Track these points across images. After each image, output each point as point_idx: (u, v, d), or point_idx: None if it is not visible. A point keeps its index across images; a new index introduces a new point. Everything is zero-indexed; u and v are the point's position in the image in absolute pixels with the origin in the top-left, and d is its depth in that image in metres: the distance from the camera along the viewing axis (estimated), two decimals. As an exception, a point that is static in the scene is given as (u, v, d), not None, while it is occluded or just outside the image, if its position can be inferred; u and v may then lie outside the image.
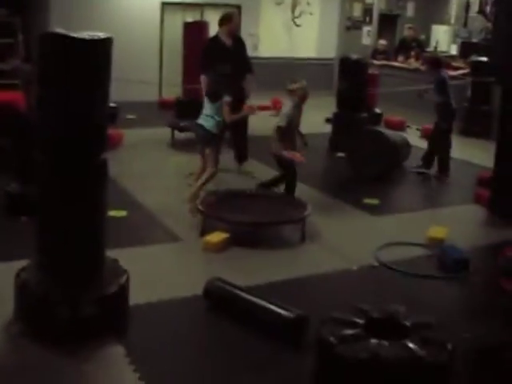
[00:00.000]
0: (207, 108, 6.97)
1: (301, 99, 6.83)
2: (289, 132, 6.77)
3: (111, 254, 4.54)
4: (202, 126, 6.91)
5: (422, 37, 17.28)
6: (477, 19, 17.80)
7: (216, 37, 8.35)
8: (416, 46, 15.08)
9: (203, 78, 7.97)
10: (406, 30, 16.22)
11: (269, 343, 4.25)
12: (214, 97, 6.91)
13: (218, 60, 7.92)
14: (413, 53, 14.62)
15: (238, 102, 7.88)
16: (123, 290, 4.27)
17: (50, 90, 3.92)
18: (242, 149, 8.58)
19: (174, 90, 13.28)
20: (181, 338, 4.35)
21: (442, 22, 18.34)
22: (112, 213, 6.18)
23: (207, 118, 6.91)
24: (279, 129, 6.69)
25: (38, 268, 4.19)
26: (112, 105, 10.11)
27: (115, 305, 4.21)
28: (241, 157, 8.58)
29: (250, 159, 8.61)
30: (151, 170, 8.47)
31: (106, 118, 4.21)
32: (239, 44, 8.42)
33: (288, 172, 6.88)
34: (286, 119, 6.72)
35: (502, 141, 7.35)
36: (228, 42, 8.24)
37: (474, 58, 12.40)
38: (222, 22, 8.28)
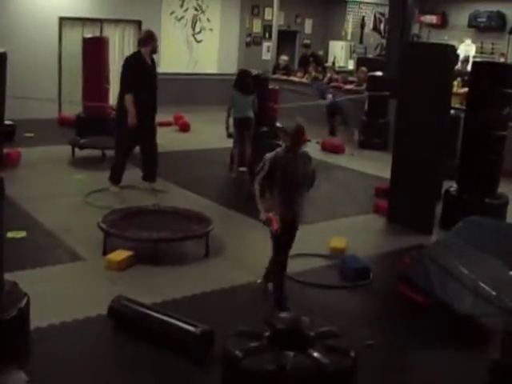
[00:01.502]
0: (242, 100, 8.88)
1: (292, 142, 4.99)
2: (280, 187, 4.94)
3: (10, 276, 4.41)
4: (245, 115, 8.88)
5: (320, 52, 17.68)
6: (372, 36, 18.42)
7: (140, 55, 8.10)
8: (313, 60, 15.41)
9: (129, 97, 7.76)
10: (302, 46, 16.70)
11: (176, 359, 4.24)
12: (248, 90, 8.83)
13: (143, 79, 7.86)
14: (311, 68, 14.93)
15: (152, 120, 7.93)
16: (23, 314, 4.14)
17: None
18: (151, 167, 8.41)
19: (74, 107, 13.06)
20: (86, 359, 4.26)
21: (338, 38, 18.83)
22: (10, 234, 6.03)
23: (245, 107, 8.84)
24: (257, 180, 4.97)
25: None
26: (8, 123, 9.87)
27: (15, 330, 4.07)
28: (149, 175, 8.42)
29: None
30: (51, 189, 8.26)
31: (1, 136, 4.10)
32: (154, 62, 8.32)
33: (274, 251, 5.15)
34: (266, 165, 4.92)
35: (397, 152, 7.61)
36: (148, 60, 8.12)
37: (370, 73, 12.79)
38: (147, 40, 8.10)
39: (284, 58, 16.22)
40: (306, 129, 5.08)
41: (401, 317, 5.16)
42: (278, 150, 5.05)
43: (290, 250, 5.23)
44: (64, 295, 5.15)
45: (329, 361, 3.50)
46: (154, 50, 8.24)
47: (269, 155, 4.98)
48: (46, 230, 6.65)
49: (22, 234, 6.41)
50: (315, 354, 3.54)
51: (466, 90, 9.36)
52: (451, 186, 7.61)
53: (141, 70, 7.94)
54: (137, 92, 7.70)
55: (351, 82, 14.19)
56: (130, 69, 7.95)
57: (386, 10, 15.12)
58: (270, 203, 4.92)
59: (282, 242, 5.05)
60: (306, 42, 16.52)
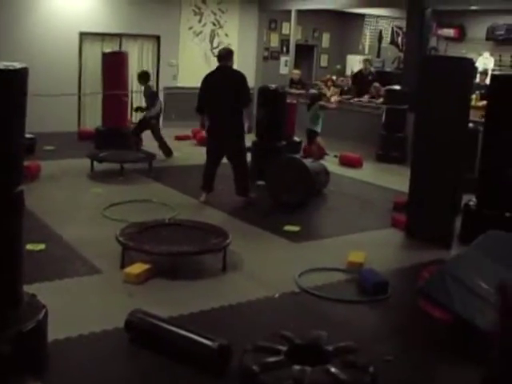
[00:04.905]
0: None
1: None
2: None
3: (29, 288, 4.43)
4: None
5: (338, 66, 17.71)
6: (389, 49, 18.41)
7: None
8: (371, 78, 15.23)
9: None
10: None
11: (193, 374, 4.22)
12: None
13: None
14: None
15: None
16: (41, 326, 4.15)
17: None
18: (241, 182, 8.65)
19: (93, 121, 13.18)
20: (102, 372, 4.25)
21: (356, 52, 18.85)
22: (29, 246, 6.07)
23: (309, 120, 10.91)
24: None
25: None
26: (29, 136, 9.95)
27: (33, 342, 4.08)
28: (240, 191, 8.69)
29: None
30: (70, 202, 8.32)
31: (22, 149, 4.13)
32: None
33: None
34: None
35: (415, 166, 7.57)
36: None
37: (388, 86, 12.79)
38: (232, 55, 8.52)
39: (296, 71, 16.23)
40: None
41: (420, 332, 5.11)
42: None
43: None
44: (81, 308, 5.16)
45: (347, 376, 3.48)
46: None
47: None
48: (65, 243, 6.68)
49: (41, 246, 6.45)
50: (333, 370, 3.52)
51: (484, 103, 9.31)
52: (470, 199, 7.56)
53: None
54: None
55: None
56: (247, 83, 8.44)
57: (403, 23, 15.10)
58: None
59: None
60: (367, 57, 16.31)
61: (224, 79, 8.30)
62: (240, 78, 8.36)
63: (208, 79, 8.46)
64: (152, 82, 11.97)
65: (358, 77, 15.78)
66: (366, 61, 15.98)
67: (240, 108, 8.26)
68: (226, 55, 8.44)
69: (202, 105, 8.37)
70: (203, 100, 8.36)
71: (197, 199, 8.62)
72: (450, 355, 4.73)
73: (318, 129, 11.44)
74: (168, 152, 11.49)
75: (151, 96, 11.42)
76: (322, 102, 11.52)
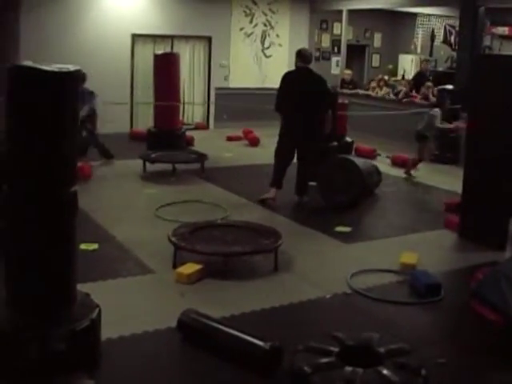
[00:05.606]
0: None
1: None
2: None
3: (83, 287, 4.50)
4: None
5: (390, 66, 17.56)
6: (441, 48, 18.17)
7: None
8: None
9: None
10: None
11: (244, 374, 4.22)
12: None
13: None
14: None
15: None
16: (95, 325, 4.21)
17: (19, 123, 3.90)
18: (299, 183, 8.80)
19: (145, 121, 13.33)
20: (154, 371, 4.29)
21: (408, 52, 18.65)
22: (83, 246, 6.17)
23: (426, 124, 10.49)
24: None
25: (6, 304, 4.13)
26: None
27: (86, 340, 4.15)
28: (297, 190, 8.81)
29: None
30: (122, 203, 8.43)
31: (76, 150, 4.20)
32: None
33: None
34: None
35: (468, 166, 7.45)
36: None
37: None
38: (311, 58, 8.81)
39: (347, 72, 16.14)
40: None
41: (473, 335, 5.02)
42: None
43: None
44: (134, 307, 5.21)
45: (399, 378, 3.44)
46: None
47: None
48: (118, 243, 6.77)
49: (95, 246, 6.55)
50: (385, 372, 3.49)
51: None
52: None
53: None
54: None
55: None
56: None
57: (456, 22, 14.89)
58: None
59: None
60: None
61: (307, 80, 8.41)
62: (323, 81, 8.53)
63: (289, 78, 8.55)
64: (86, 83, 10.68)
65: (417, 78, 15.59)
66: (425, 61, 15.77)
67: (318, 110, 8.33)
68: (309, 57, 8.67)
69: (280, 103, 8.46)
70: (282, 99, 8.45)
71: (248, 200, 8.65)
72: (503, 359, 4.64)
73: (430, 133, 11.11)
74: (107, 154, 11.00)
75: (81, 96, 10.60)
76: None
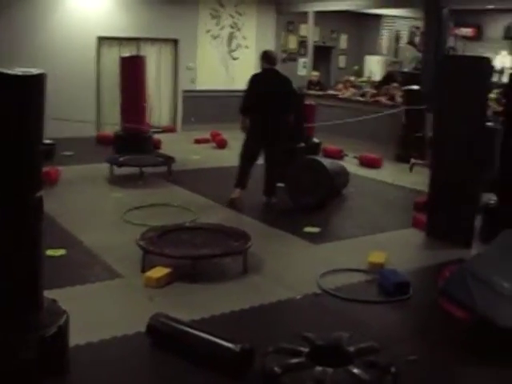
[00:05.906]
0: None
1: None
2: None
3: (50, 294, 4.44)
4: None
5: (356, 67, 17.68)
6: (406, 49, 18.36)
7: None
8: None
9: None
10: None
11: (215, 377, 4.21)
12: None
13: None
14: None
15: None
16: (62, 332, 4.16)
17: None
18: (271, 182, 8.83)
19: (112, 125, 13.25)
20: (123, 377, 4.26)
21: (374, 53, 18.79)
22: (50, 252, 6.10)
23: None
24: None
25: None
26: (48, 142, 10.03)
27: (54, 347, 4.10)
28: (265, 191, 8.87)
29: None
30: (90, 207, 8.36)
31: (41, 155, 4.15)
32: None
33: None
34: None
35: (434, 166, 7.53)
36: None
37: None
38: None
39: (315, 73, 16.23)
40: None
41: (442, 332, 5.07)
42: None
43: None
44: (103, 312, 5.17)
45: (369, 377, 3.46)
46: None
47: None
48: (85, 248, 6.71)
49: (62, 251, 6.47)
50: (355, 371, 3.51)
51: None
52: (490, 198, 7.50)
53: None
54: None
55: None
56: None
57: (420, 23, 15.03)
58: None
59: None
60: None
61: (274, 82, 8.43)
62: (289, 82, 8.57)
63: (256, 80, 8.53)
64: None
65: (385, 80, 15.72)
66: (394, 63, 15.89)
67: (285, 110, 8.37)
68: (275, 58, 8.66)
69: (248, 105, 8.43)
70: (249, 101, 8.42)
71: (216, 202, 8.65)
72: (472, 355, 4.69)
73: None
74: None
75: None
76: None
